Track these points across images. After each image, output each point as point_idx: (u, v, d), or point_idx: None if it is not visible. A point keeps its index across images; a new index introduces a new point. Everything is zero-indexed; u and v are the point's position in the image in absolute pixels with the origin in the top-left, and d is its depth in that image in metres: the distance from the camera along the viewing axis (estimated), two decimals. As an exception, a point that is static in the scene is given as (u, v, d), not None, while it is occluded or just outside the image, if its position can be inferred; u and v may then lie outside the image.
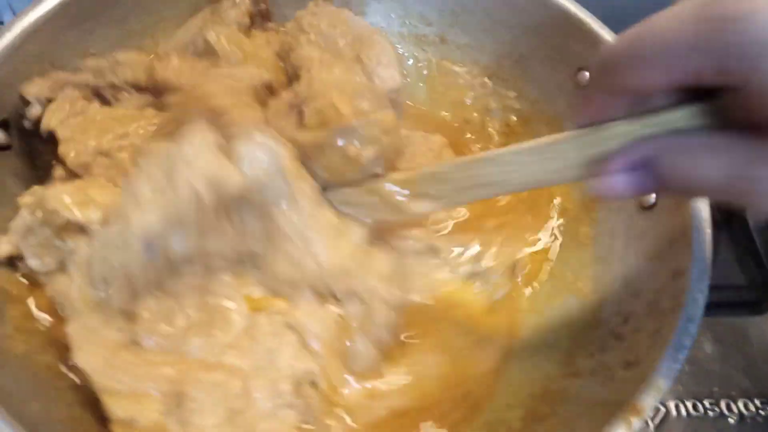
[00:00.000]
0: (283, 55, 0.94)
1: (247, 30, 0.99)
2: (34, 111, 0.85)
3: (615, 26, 0.94)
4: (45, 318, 0.78)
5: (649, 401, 0.64)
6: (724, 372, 1.04)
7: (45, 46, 0.89)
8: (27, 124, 0.86)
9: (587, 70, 0.97)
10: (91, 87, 0.88)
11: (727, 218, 1.17)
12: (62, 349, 0.75)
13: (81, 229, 0.75)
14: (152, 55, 0.95)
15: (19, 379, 0.69)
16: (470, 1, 1.07)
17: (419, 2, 1.10)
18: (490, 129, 1.10)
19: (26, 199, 0.79)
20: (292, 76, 0.91)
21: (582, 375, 0.78)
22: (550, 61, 1.02)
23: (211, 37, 0.89)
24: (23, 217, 0.77)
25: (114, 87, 0.88)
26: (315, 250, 0.74)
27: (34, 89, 0.85)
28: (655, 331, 0.73)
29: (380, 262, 0.78)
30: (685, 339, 0.68)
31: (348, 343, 0.77)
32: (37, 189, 0.79)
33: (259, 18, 1.01)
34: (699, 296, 0.71)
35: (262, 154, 0.71)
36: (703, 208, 0.78)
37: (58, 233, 0.76)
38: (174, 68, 0.88)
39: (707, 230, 0.76)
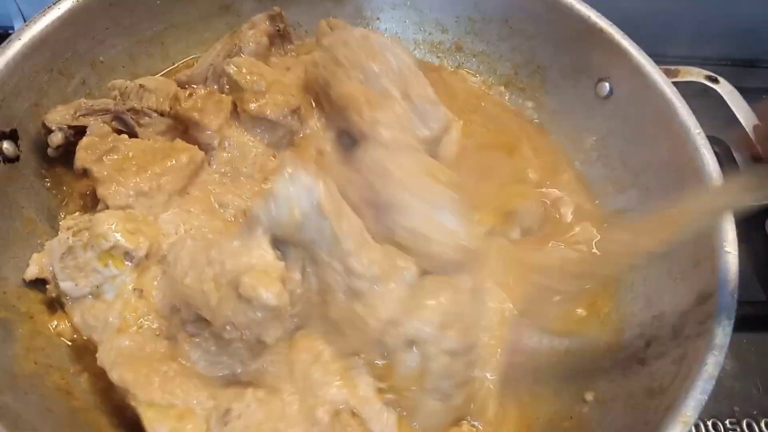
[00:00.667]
0: (317, 89, 0.91)
1: (267, 50, 0.97)
2: (55, 138, 0.84)
3: (636, 35, 0.92)
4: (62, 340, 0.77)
5: (675, 434, 0.62)
6: (744, 390, 1.01)
7: (54, 55, 0.87)
8: (51, 152, 0.85)
9: (608, 81, 0.95)
10: (112, 113, 0.87)
11: (747, 233, 1.14)
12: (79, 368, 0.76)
13: (127, 255, 0.75)
14: (175, 81, 0.93)
15: (28, 401, 0.68)
16: (488, 8, 1.05)
17: (435, 9, 1.08)
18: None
19: (69, 221, 0.79)
20: (332, 114, 0.89)
21: (604, 402, 0.75)
22: (569, 71, 1.00)
23: (231, 69, 0.88)
24: (64, 238, 0.76)
25: (136, 111, 0.86)
26: (359, 304, 0.69)
27: (56, 117, 0.84)
28: (680, 358, 0.70)
29: (432, 308, 0.71)
30: (713, 367, 0.66)
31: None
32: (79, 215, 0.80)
33: (279, 39, 1.00)
34: (726, 322, 0.69)
35: (296, 192, 0.66)
36: (729, 228, 0.76)
37: (101, 258, 0.75)
38: (198, 103, 0.86)
39: (734, 252, 0.74)
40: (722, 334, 0.68)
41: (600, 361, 0.81)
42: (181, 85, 0.93)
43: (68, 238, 0.75)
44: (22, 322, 0.75)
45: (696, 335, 0.70)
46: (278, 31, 0.98)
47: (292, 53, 1.01)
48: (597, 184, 0.98)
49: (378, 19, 1.12)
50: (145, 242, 0.75)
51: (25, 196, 0.83)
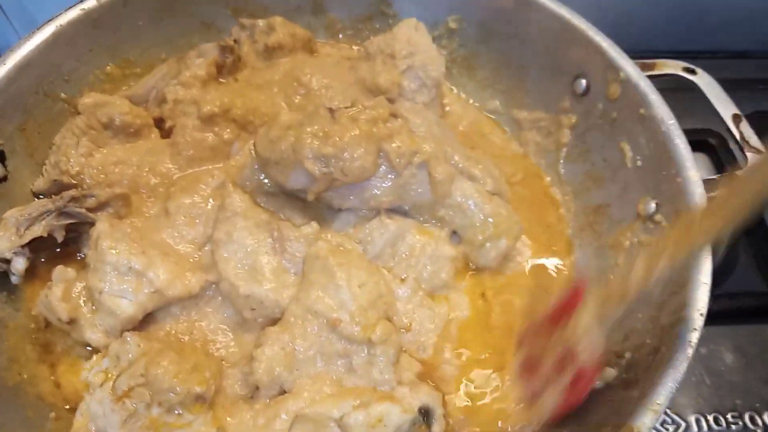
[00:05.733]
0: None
1: (213, 78, 0.97)
2: (19, 265, 0.79)
3: (611, 33, 0.92)
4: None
5: (646, 422, 0.62)
6: (746, 383, 0.99)
7: (39, 77, 0.90)
8: (17, 280, 0.80)
9: (584, 78, 0.95)
10: (54, 212, 0.81)
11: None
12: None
13: (199, 398, 0.70)
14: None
15: (7, 411, 0.70)
16: (464, 12, 1.05)
17: (412, 15, 1.07)
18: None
19: (99, 362, 0.72)
20: None
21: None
22: (548, 70, 1.00)
23: (170, 94, 0.92)
24: (106, 398, 0.69)
25: (75, 199, 0.82)
26: None
27: (5, 244, 0.78)
28: (654, 349, 0.70)
29: None
30: (684, 355, 0.65)
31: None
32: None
33: (226, 70, 1.00)
34: (699, 308, 0.68)
35: None
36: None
37: (170, 410, 0.69)
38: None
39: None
40: (695, 321, 0.67)
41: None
42: None
43: (125, 403, 0.69)
44: (9, 334, 0.77)
45: (670, 324, 0.69)
46: (226, 62, 0.99)
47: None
48: (576, 181, 0.98)
49: (355, 29, 1.13)
50: (213, 378, 0.71)
51: (13, 215, 0.85)
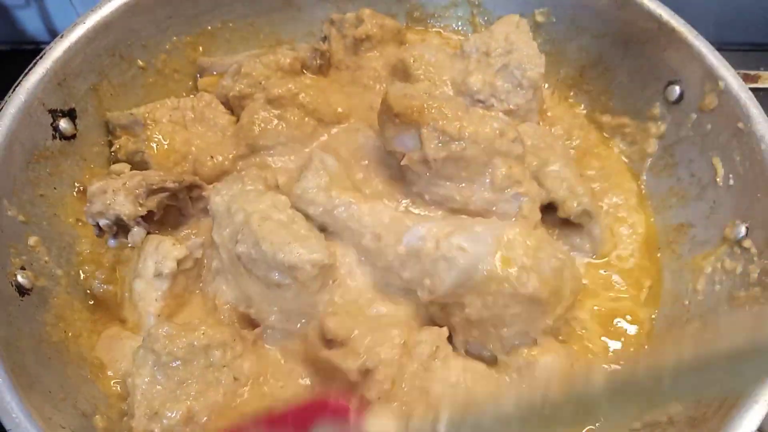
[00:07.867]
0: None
1: (298, 73, 0.96)
2: (137, 237, 0.79)
3: (714, 36, 0.85)
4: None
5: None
6: None
7: (117, 40, 0.90)
8: (113, 243, 0.81)
9: (678, 84, 0.88)
10: (169, 190, 0.81)
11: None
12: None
13: None
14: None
15: (49, 367, 0.69)
16: (554, 6, 0.99)
17: (500, 7, 1.04)
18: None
19: None
20: None
21: (641, 429, 0.68)
22: (638, 74, 0.93)
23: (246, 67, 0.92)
24: None
25: (190, 188, 0.84)
26: None
27: (129, 209, 0.77)
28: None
29: None
30: (762, 400, 0.58)
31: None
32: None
33: (311, 72, 0.99)
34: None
35: None
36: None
37: None
38: None
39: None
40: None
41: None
42: (202, 69, 0.98)
43: None
44: (59, 290, 0.77)
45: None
46: (313, 62, 0.98)
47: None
48: (660, 196, 0.91)
49: (441, 17, 1.09)
50: None
51: (79, 171, 0.86)
